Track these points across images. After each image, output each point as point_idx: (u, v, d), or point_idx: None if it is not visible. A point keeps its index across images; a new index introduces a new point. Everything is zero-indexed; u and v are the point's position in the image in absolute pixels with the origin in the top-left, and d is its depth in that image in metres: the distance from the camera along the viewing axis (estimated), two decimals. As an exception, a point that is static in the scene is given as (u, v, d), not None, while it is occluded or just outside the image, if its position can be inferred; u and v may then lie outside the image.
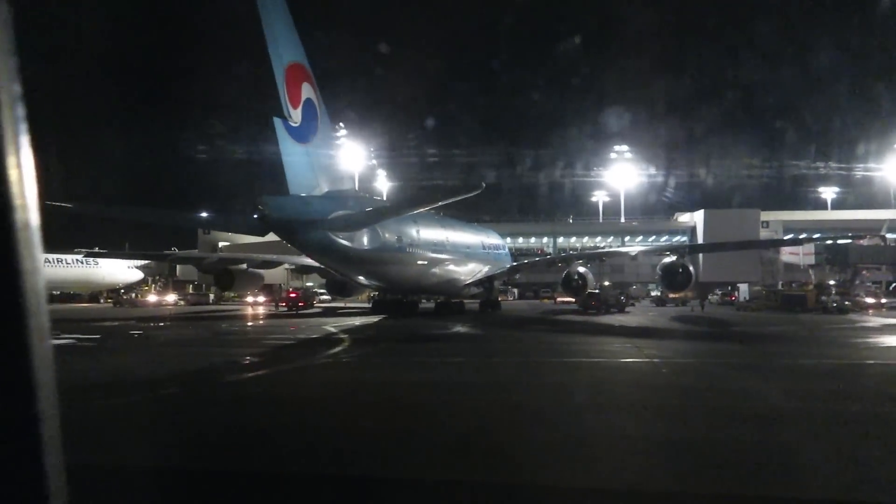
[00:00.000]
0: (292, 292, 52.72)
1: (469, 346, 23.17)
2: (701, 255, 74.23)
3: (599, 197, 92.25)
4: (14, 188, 1.63)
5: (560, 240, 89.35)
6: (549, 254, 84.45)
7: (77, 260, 69.84)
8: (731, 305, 63.70)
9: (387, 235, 34.58)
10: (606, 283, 57.24)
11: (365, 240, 32.81)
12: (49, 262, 67.77)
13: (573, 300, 69.52)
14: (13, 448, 1.61)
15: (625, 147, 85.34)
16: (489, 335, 27.59)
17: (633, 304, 58.69)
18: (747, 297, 66.68)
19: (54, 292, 75.46)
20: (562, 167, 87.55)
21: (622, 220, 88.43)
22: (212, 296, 71.79)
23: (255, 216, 28.33)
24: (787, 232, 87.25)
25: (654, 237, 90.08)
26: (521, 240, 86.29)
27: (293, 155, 30.41)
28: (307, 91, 30.91)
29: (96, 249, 70.51)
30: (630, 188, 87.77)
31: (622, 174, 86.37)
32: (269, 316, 44.20)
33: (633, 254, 50.38)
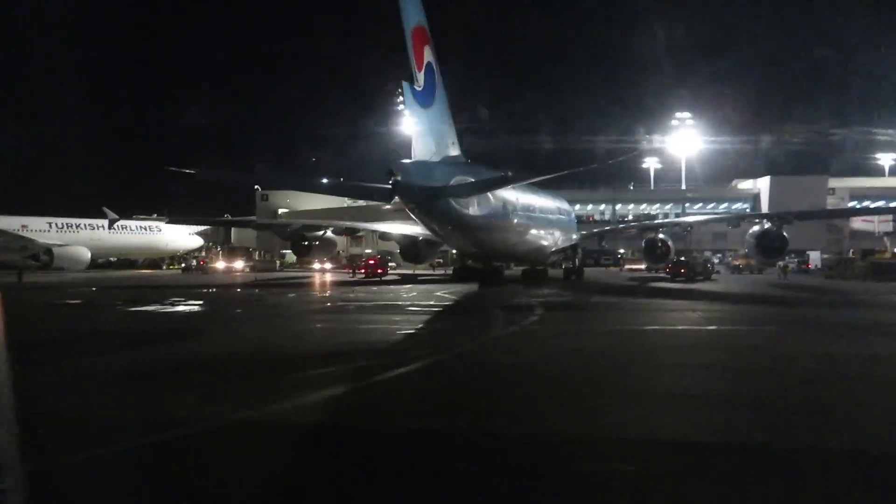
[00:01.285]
0: (371, 259, 52.26)
1: (623, 314, 22.23)
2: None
3: (651, 164, 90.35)
4: None
5: (618, 207, 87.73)
6: (607, 221, 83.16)
7: (140, 226, 70.05)
8: (808, 273, 61.82)
9: (495, 203, 33.86)
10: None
11: (478, 207, 32.12)
12: (114, 228, 67.98)
13: (642, 267, 68.69)
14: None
15: (686, 114, 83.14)
16: (626, 303, 26.65)
17: (717, 273, 57.39)
18: (818, 265, 65.12)
19: (111, 259, 76.02)
20: (618, 133, 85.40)
21: (683, 186, 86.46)
22: (278, 262, 71.82)
23: (390, 182, 27.66)
24: (852, 199, 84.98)
25: (713, 204, 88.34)
26: (577, 207, 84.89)
27: (418, 119, 29.70)
28: (428, 55, 29.93)
29: (155, 216, 70.91)
30: (690, 155, 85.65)
31: (682, 141, 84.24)
32: (358, 282, 43.44)
33: (733, 224, 48.58)
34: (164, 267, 74.67)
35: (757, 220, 44.85)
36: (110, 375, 10.50)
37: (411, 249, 50.88)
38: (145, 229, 69.70)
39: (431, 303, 25.76)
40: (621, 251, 74.03)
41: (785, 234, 41.28)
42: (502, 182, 33.09)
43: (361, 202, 77.68)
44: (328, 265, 62.45)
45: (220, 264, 65.02)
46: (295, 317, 20.94)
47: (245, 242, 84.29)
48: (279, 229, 47.45)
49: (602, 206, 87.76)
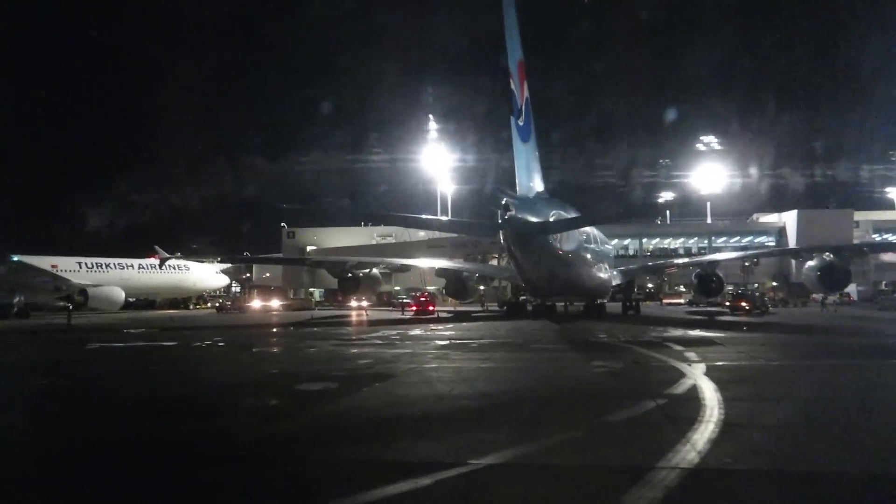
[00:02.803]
0: (422, 296, 51.33)
1: (758, 347, 21.25)
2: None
3: (665, 197, 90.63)
4: None
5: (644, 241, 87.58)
6: (633, 256, 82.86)
7: (168, 265, 68.66)
8: (849, 306, 61.34)
9: (578, 238, 33.43)
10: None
11: (568, 242, 31.63)
12: (143, 267, 66.65)
13: (681, 301, 68.08)
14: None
15: (713, 143, 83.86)
16: (736, 338, 25.75)
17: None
18: (854, 297, 64.83)
19: (130, 299, 74.27)
20: (644, 168, 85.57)
21: (708, 221, 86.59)
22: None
23: (505, 216, 27.07)
24: (875, 232, 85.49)
25: (737, 238, 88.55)
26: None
27: (520, 154, 29.41)
28: (526, 90, 29.76)
29: (178, 255, 69.62)
30: (713, 190, 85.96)
31: (708, 176, 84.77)
32: (424, 320, 42.01)
33: (798, 256, 48.23)
34: (192, 306, 73.03)
35: (823, 255, 44.30)
36: (363, 420, 9.51)
37: (457, 285, 50.27)
38: (174, 268, 68.32)
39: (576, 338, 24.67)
40: (649, 286, 73.68)
41: (850, 267, 41.14)
42: (587, 222, 32.71)
43: (391, 238, 77.23)
44: (364, 303, 61.38)
45: (257, 303, 63.67)
46: (451, 357, 19.67)
47: (265, 281, 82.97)
48: (332, 266, 46.55)
49: (627, 241, 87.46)
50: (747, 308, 44.65)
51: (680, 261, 60.40)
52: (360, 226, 79.78)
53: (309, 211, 68.84)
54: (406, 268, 46.89)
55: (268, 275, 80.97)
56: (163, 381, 14.80)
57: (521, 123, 29.16)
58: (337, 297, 75.64)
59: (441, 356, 18.74)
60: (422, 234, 73.98)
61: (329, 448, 8.11)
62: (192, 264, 69.70)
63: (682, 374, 13.73)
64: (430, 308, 48.89)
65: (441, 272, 49.08)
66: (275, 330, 32.86)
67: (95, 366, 18.55)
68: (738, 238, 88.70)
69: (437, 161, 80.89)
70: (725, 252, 77.76)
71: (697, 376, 13.33)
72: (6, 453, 8.19)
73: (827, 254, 42.72)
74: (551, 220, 29.29)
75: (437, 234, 70.62)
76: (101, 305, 56.13)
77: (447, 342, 23.84)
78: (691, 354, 18.01)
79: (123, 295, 57.91)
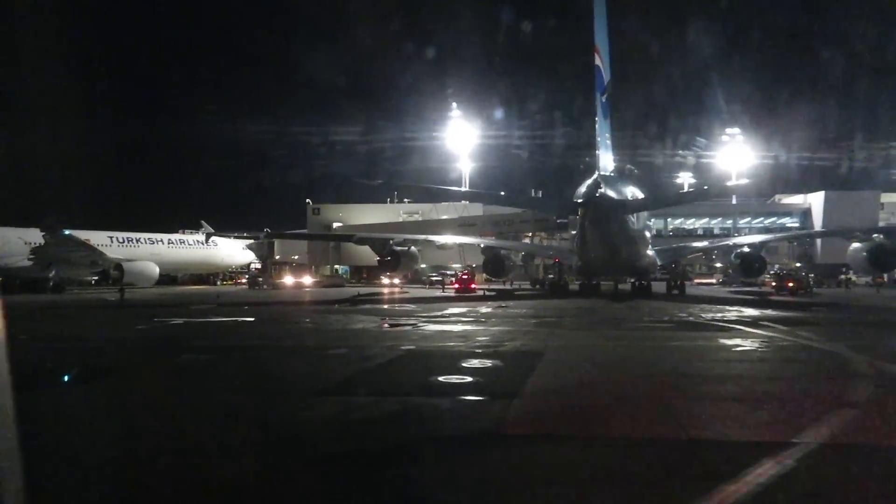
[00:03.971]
0: (465, 273, 51.14)
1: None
2: (819, 239, 73.04)
3: (685, 179, 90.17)
4: None
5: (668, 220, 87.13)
6: (659, 234, 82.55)
7: (197, 240, 68.38)
8: (879, 287, 61.27)
9: (643, 217, 33.21)
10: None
11: (638, 222, 31.45)
12: (172, 242, 66.28)
13: (712, 282, 68.07)
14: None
15: (736, 129, 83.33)
16: (820, 318, 25.64)
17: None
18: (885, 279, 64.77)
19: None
20: (668, 148, 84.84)
21: (733, 202, 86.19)
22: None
23: (592, 193, 26.79)
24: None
25: (760, 219, 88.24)
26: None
27: (602, 130, 29.08)
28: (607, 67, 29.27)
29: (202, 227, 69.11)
30: (738, 169, 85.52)
31: (732, 156, 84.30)
32: (473, 298, 41.81)
33: (851, 238, 47.99)
34: (219, 282, 72.71)
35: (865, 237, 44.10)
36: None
37: (496, 264, 50.07)
38: (202, 244, 67.99)
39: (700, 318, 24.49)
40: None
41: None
42: (664, 202, 32.42)
43: (417, 216, 76.74)
44: (396, 280, 61.24)
45: (289, 280, 63.38)
46: (566, 336, 19.37)
47: (286, 258, 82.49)
48: (376, 243, 46.31)
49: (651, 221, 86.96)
50: (794, 288, 44.60)
51: (731, 240, 59.60)
52: (386, 202, 79.30)
53: (343, 186, 68.15)
54: (445, 246, 46.68)
55: (295, 256, 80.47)
56: (335, 360, 14.10)
57: (603, 100, 28.78)
58: (362, 275, 75.56)
59: (555, 335, 18.51)
60: (445, 215, 73.53)
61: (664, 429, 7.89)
62: (220, 240, 69.24)
63: (841, 357, 13.64)
64: (472, 286, 48.71)
65: (487, 250, 48.88)
66: (336, 306, 32.54)
67: (234, 341, 18.10)
68: (760, 219, 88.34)
69: (461, 139, 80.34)
70: (752, 234, 77.73)
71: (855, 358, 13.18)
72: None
73: (877, 235, 42.63)
74: (629, 198, 29.02)
75: (466, 213, 70.26)
76: (136, 280, 55.77)
77: (536, 320, 23.64)
78: (805, 333, 17.93)
79: (157, 270, 57.54)
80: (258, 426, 7.99)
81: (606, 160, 30.71)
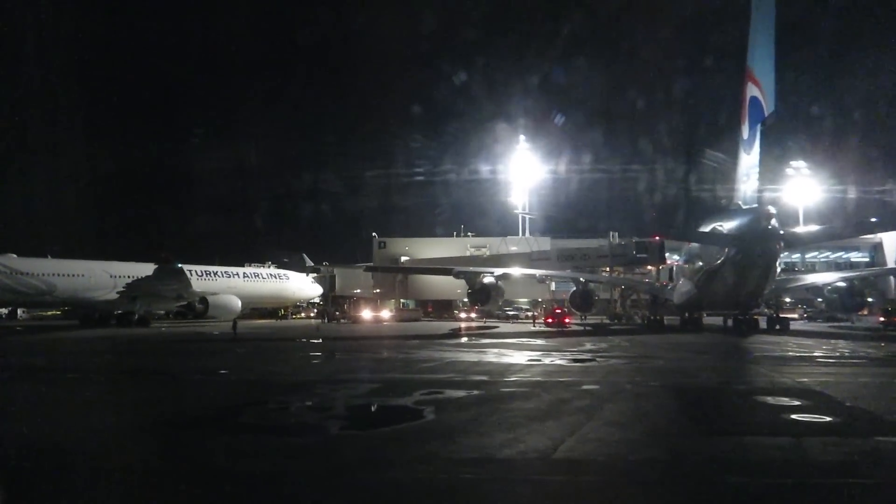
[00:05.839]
0: (557, 308, 50.54)
1: None
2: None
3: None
4: None
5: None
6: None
7: (270, 274, 68.64)
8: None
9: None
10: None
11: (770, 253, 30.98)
12: (247, 275, 66.56)
13: (794, 316, 66.35)
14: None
15: (802, 163, 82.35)
16: None
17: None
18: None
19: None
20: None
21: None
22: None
23: (768, 226, 26.40)
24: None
25: (826, 253, 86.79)
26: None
27: (749, 164, 28.95)
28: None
29: (269, 264, 69.22)
30: (806, 203, 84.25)
31: (799, 188, 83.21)
32: (579, 333, 41.06)
33: None
34: (290, 316, 72.69)
35: None
36: None
37: (585, 298, 49.47)
38: (275, 277, 68.19)
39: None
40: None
41: None
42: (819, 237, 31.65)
43: (485, 250, 76.38)
44: (473, 314, 60.75)
45: (367, 314, 63.10)
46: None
47: (346, 290, 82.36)
48: (472, 276, 46.03)
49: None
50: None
51: (835, 275, 58.15)
52: (453, 236, 79.19)
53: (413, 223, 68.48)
54: (537, 278, 46.32)
55: (357, 290, 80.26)
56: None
57: (758, 131, 28.45)
58: (427, 308, 75.17)
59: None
60: (513, 248, 73.08)
61: None
62: (290, 273, 69.48)
63: None
64: (567, 321, 47.98)
65: (578, 283, 48.35)
66: (452, 341, 31.93)
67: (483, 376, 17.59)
68: (827, 253, 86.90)
69: (525, 171, 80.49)
70: (820, 268, 76.51)
71: None
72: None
73: None
74: (793, 231, 28.82)
75: (536, 247, 69.72)
76: (219, 314, 55.90)
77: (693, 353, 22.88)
78: None
79: (240, 303, 57.63)
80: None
81: (750, 193, 30.24)
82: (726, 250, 30.75)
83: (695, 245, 39.48)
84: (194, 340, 34.64)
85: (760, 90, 27.98)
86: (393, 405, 12.08)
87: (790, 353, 23.93)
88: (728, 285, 33.48)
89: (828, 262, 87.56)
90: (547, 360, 20.90)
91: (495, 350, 25.40)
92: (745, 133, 30.21)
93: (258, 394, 13.97)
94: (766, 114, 27.99)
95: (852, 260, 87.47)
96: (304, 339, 33.76)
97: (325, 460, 8.09)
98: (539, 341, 31.46)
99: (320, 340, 33.29)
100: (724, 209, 34.36)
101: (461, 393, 13.27)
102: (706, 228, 33.89)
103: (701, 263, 34.97)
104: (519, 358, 21.73)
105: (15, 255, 53.71)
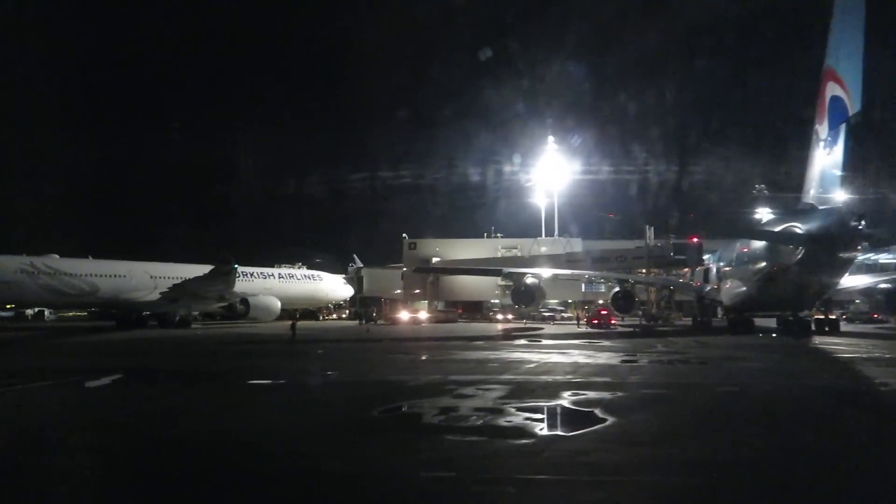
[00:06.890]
0: (602, 309, 50.53)
1: None
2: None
3: (762, 214, 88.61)
4: None
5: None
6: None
7: (304, 275, 68.82)
8: None
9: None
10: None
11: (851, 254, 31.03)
12: (282, 276, 66.72)
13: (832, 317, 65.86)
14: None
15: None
16: None
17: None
18: None
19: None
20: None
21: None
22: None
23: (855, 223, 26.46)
24: None
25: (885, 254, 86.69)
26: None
27: (828, 164, 29.31)
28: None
29: (299, 265, 69.24)
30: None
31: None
32: (628, 335, 41.05)
33: None
34: (321, 317, 72.86)
35: None
36: None
37: (627, 299, 49.48)
38: (309, 278, 68.38)
39: None
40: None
41: None
42: None
43: (516, 251, 76.32)
44: (509, 316, 60.85)
45: (404, 315, 63.14)
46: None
47: (375, 292, 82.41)
48: (517, 277, 46.15)
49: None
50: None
51: (883, 276, 57.87)
52: (483, 237, 79.14)
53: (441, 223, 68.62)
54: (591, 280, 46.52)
55: (374, 287, 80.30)
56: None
57: (830, 131, 28.60)
58: (457, 310, 75.16)
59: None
60: (544, 249, 72.98)
61: None
62: (323, 274, 69.66)
63: None
64: (612, 321, 48.00)
65: (621, 284, 48.54)
66: (518, 342, 31.87)
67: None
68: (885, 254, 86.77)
69: (555, 174, 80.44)
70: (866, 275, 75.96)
71: None
72: None
73: None
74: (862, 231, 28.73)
75: (569, 248, 69.63)
76: (260, 315, 56.06)
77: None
78: None
79: (279, 305, 57.76)
80: None
81: (828, 193, 30.23)
82: (800, 249, 30.65)
83: (745, 245, 39.15)
84: (259, 342, 34.74)
85: (844, 89, 27.92)
86: (563, 407, 12.08)
87: (877, 354, 23.90)
88: (796, 285, 33.37)
89: (857, 265, 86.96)
90: (643, 361, 20.93)
91: (573, 351, 25.45)
92: (824, 132, 30.10)
93: (397, 396, 13.84)
94: (851, 113, 27.98)
95: (881, 262, 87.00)
96: (366, 341, 33.80)
97: (569, 461, 8.08)
98: (604, 342, 31.44)
99: (381, 342, 33.32)
100: (793, 209, 34.25)
101: (606, 395, 13.30)
102: (777, 228, 33.87)
103: (763, 264, 34.84)
104: (609, 359, 21.73)
105: (57, 256, 53.95)
